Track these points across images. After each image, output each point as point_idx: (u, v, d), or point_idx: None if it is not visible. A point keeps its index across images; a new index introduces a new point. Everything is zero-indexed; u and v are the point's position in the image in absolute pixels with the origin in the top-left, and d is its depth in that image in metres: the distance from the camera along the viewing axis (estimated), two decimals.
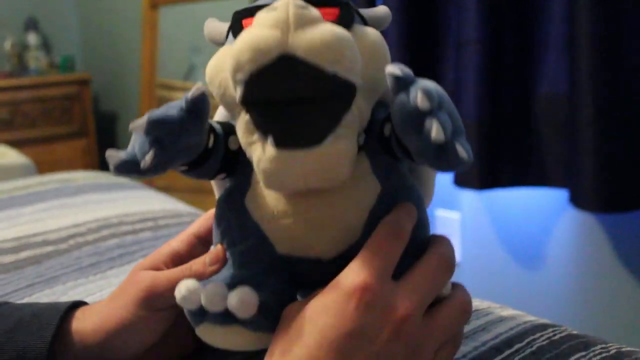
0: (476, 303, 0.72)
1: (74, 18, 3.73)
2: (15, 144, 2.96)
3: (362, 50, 0.43)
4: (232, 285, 0.46)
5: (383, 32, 0.48)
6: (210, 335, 0.48)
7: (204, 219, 0.58)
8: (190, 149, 0.45)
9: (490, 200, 1.59)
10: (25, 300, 0.78)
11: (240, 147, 0.47)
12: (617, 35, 1.16)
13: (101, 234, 1.01)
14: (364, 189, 0.47)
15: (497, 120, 1.37)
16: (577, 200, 1.26)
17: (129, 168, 0.43)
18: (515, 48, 1.37)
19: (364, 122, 0.45)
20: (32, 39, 3.42)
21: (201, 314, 0.47)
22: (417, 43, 1.46)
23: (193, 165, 0.47)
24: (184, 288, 0.46)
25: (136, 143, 0.43)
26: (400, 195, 0.48)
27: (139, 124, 0.42)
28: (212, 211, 0.58)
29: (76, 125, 3.35)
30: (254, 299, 0.45)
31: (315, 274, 0.48)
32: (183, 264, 0.56)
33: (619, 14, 1.16)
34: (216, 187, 0.58)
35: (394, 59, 0.46)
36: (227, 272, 0.49)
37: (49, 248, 0.95)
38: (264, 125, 0.43)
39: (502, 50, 1.36)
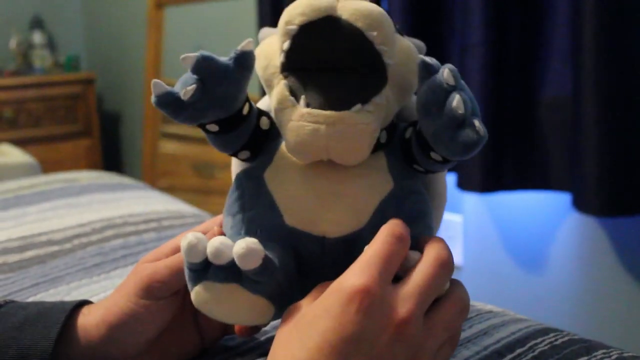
0: (478, 307, 0.72)
1: (80, 17, 3.74)
2: (19, 142, 2.96)
3: (397, 50, 0.47)
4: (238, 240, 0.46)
5: None
6: (208, 294, 0.47)
7: (211, 221, 0.59)
8: (228, 100, 0.46)
9: (493, 203, 1.59)
10: (30, 299, 0.78)
11: (269, 128, 0.50)
12: (620, 39, 1.17)
13: (105, 234, 1.01)
14: (377, 180, 0.49)
15: (500, 123, 1.37)
16: (580, 204, 1.26)
17: (170, 101, 0.44)
18: (519, 51, 1.37)
19: (389, 117, 0.48)
20: (37, 37, 3.43)
21: (203, 269, 0.47)
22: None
23: (224, 127, 0.48)
24: (191, 236, 0.46)
25: (180, 79, 0.45)
26: (410, 198, 0.49)
27: (190, 55, 0.44)
28: (218, 217, 0.59)
29: (80, 125, 3.36)
30: (260, 250, 0.45)
31: (316, 253, 0.49)
32: None
33: (623, 18, 1.16)
34: (235, 167, 0.58)
35: None
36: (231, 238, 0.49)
37: (54, 248, 0.96)
38: (299, 92, 0.46)
39: (505, 54, 1.36)
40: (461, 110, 0.42)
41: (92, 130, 3.38)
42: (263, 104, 0.55)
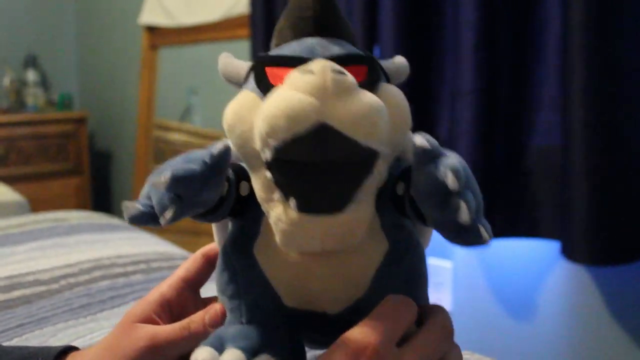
0: (466, 356, 0.72)
1: (74, 56, 3.76)
2: (9, 180, 2.96)
3: (386, 102, 0.43)
4: (251, 351, 0.46)
5: None
6: None
7: (192, 261, 0.58)
8: (208, 202, 0.44)
9: (482, 250, 1.59)
10: (15, 340, 0.78)
11: (250, 193, 0.47)
12: (611, 89, 1.18)
13: (93, 275, 1.00)
14: (373, 247, 0.47)
15: (490, 170, 1.38)
16: (569, 253, 1.26)
17: (146, 220, 0.43)
18: (510, 100, 1.38)
19: (382, 182, 0.45)
20: (31, 75, 3.44)
21: None
22: (412, 91, 1.47)
23: (203, 214, 0.46)
24: (201, 358, 0.45)
25: (153, 195, 0.43)
26: (406, 254, 0.48)
27: (160, 180, 0.41)
28: (198, 253, 0.58)
29: (71, 163, 3.35)
30: None
31: (320, 327, 0.48)
32: (172, 310, 0.56)
33: (614, 67, 1.18)
34: (216, 228, 0.57)
35: None
36: (234, 328, 0.48)
37: (41, 288, 0.95)
38: (287, 187, 0.43)
39: (496, 102, 1.38)
40: (466, 219, 0.39)
41: (82, 169, 3.38)
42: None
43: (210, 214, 0.47)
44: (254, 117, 0.44)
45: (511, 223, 1.40)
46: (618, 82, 1.18)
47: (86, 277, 1.00)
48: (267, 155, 0.41)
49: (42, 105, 3.43)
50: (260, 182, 0.44)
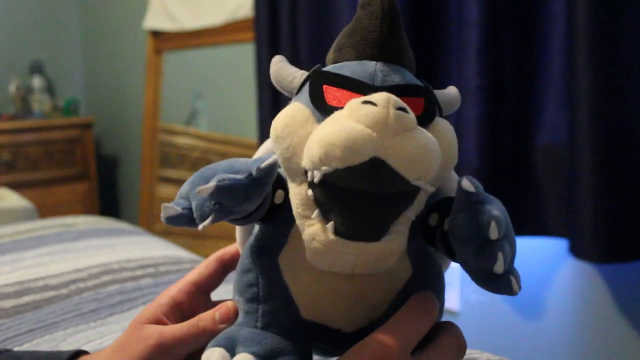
0: (475, 355, 0.72)
1: (79, 62, 3.77)
2: (16, 186, 2.97)
3: (436, 136, 0.43)
4: (263, 357, 0.46)
5: None
6: None
7: (204, 266, 0.58)
8: (246, 211, 0.44)
9: None
10: (26, 346, 0.78)
11: (284, 201, 0.47)
12: (616, 87, 1.18)
13: (102, 279, 1.01)
14: (397, 271, 0.47)
15: (496, 169, 1.38)
16: (577, 250, 1.26)
17: (184, 222, 0.43)
18: (515, 98, 1.38)
19: (419, 211, 0.45)
20: (36, 82, 3.45)
21: None
22: None
23: (238, 219, 0.46)
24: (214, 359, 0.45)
25: (194, 199, 0.43)
26: (427, 283, 0.48)
27: (206, 187, 0.41)
28: (212, 257, 0.58)
29: (78, 169, 3.36)
30: None
31: (332, 341, 0.48)
32: (183, 314, 0.56)
33: (619, 65, 1.18)
34: (240, 228, 0.56)
35: None
36: (247, 331, 0.48)
37: (50, 293, 0.95)
38: (328, 209, 0.42)
39: (502, 100, 1.38)
40: (501, 270, 0.40)
41: (89, 174, 3.39)
42: (266, 148, 0.52)
43: (243, 219, 0.46)
44: (304, 132, 0.43)
45: (518, 222, 1.40)
46: (624, 79, 1.18)
47: (95, 281, 1.00)
48: (315, 176, 0.41)
49: (48, 111, 3.44)
50: (299, 198, 0.44)
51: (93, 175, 3.40)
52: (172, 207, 0.43)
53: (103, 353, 0.54)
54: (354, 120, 0.39)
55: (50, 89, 3.58)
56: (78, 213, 2.95)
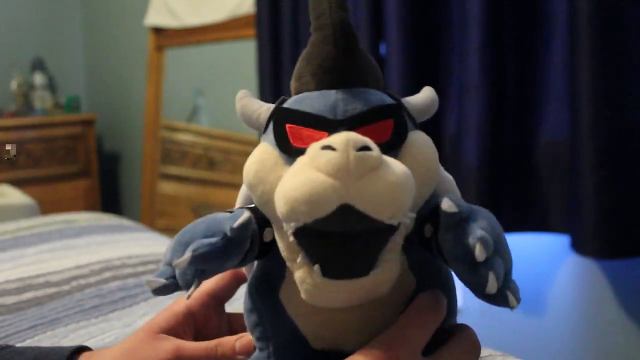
0: None
1: (81, 59, 3.77)
2: (18, 183, 2.97)
3: (414, 166, 0.42)
4: None
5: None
6: None
7: (220, 277, 0.58)
8: (230, 267, 0.44)
9: None
10: (28, 342, 0.78)
11: (274, 238, 0.46)
12: (618, 84, 1.18)
13: (103, 276, 1.01)
14: (400, 288, 0.46)
15: (499, 166, 1.38)
16: (579, 246, 1.26)
17: (170, 292, 0.44)
18: (517, 95, 1.38)
19: (408, 231, 0.44)
20: (38, 79, 3.45)
21: None
22: (420, 87, 1.46)
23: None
24: None
25: (176, 269, 0.43)
26: (434, 287, 0.47)
27: (183, 260, 0.41)
28: (228, 272, 0.58)
29: (80, 165, 3.36)
30: None
31: None
32: (197, 323, 0.56)
33: (621, 62, 1.17)
34: None
35: None
36: None
37: (52, 289, 0.95)
38: (310, 254, 0.41)
39: (504, 97, 1.38)
40: (494, 290, 0.39)
41: (91, 171, 3.39)
42: (245, 192, 0.50)
43: (234, 266, 0.47)
44: (274, 177, 0.43)
45: (520, 218, 1.40)
46: (625, 77, 1.18)
47: (97, 278, 1.00)
48: (289, 228, 0.40)
49: (50, 108, 3.44)
50: (284, 243, 0.44)
51: (95, 172, 3.40)
52: (157, 281, 0.43)
53: (111, 352, 0.54)
54: (316, 169, 0.38)
55: (51, 86, 3.58)
56: (79, 210, 2.96)
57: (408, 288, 0.46)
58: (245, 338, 0.52)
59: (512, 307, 0.40)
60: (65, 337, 0.79)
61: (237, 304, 0.58)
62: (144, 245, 1.19)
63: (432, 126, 0.45)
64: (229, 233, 0.42)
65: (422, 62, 1.50)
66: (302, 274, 0.42)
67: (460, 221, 0.40)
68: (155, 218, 2.95)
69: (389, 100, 0.46)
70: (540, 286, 1.51)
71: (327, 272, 0.41)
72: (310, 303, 0.44)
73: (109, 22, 3.48)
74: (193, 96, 2.89)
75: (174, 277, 0.43)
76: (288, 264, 0.44)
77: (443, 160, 0.50)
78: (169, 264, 0.44)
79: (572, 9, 1.20)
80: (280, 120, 0.45)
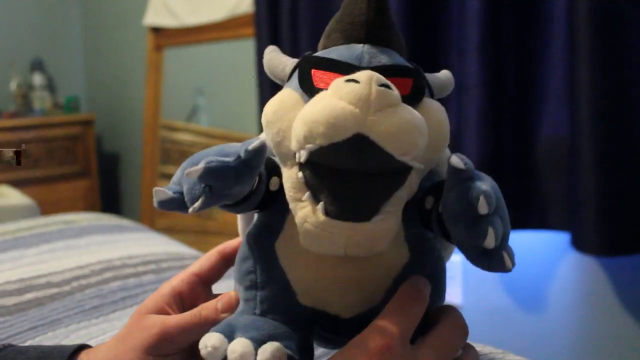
0: (478, 348, 0.71)
1: (80, 59, 3.77)
2: (18, 183, 2.97)
3: (427, 117, 0.43)
4: (260, 342, 0.46)
5: None
6: None
7: (205, 258, 0.58)
8: (238, 195, 0.44)
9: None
10: (28, 343, 0.78)
11: (280, 188, 0.47)
12: (617, 80, 1.18)
13: (104, 276, 1.01)
14: (393, 257, 0.47)
15: (498, 163, 1.38)
16: (579, 244, 1.26)
17: (175, 206, 0.44)
18: (517, 92, 1.38)
19: (411, 194, 0.45)
20: (37, 79, 3.45)
21: None
22: None
23: (232, 205, 0.47)
24: (210, 344, 0.45)
25: (185, 183, 0.43)
26: (425, 267, 0.48)
27: (195, 169, 0.41)
28: (214, 250, 0.59)
29: (79, 166, 3.36)
30: (284, 357, 0.45)
31: (332, 327, 0.49)
32: (184, 304, 0.56)
33: (620, 58, 1.18)
34: (241, 217, 0.57)
35: None
36: (246, 318, 0.49)
37: (53, 290, 0.95)
38: (317, 190, 0.42)
39: (503, 94, 1.38)
40: (492, 245, 0.40)
41: (90, 171, 3.39)
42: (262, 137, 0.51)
43: (237, 206, 0.47)
44: (293, 116, 0.43)
45: (520, 216, 1.40)
46: (625, 73, 1.18)
47: (97, 278, 1.00)
48: (301, 156, 0.41)
49: (49, 108, 3.43)
50: (291, 181, 0.44)
51: (94, 172, 3.40)
52: (163, 191, 0.43)
53: (105, 344, 0.55)
54: (337, 98, 0.40)
55: (51, 86, 3.57)
56: (79, 210, 2.95)
57: (400, 261, 0.47)
58: (227, 296, 0.52)
59: (507, 269, 0.41)
60: (66, 338, 0.79)
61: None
62: (144, 245, 1.19)
63: None
64: (242, 155, 0.42)
65: (421, 60, 1.49)
66: (304, 213, 0.43)
67: (466, 179, 0.40)
68: (155, 218, 2.95)
69: (410, 65, 0.47)
70: (540, 284, 1.51)
71: (330, 211, 0.42)
72: (307, 247, 0.44)
73: (108, 22, 3.48)
74: (192, 96, 2.89)
75: (181, 193, 0.43)
76: (291, 205, 0.45)
77: None
78: (178, 183, 0.44)
79: (572, 7, 1.20)
80: (306, 66, 0.46)
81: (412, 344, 0.45)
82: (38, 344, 0.61)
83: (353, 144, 0.39)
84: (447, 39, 1.49)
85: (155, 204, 0.44)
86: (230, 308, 0.51)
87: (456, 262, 1.67)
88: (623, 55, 1.18)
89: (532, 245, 1.50)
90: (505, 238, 0.41)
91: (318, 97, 0.41)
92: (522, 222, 1.41)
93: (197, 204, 0.42)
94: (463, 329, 0.47)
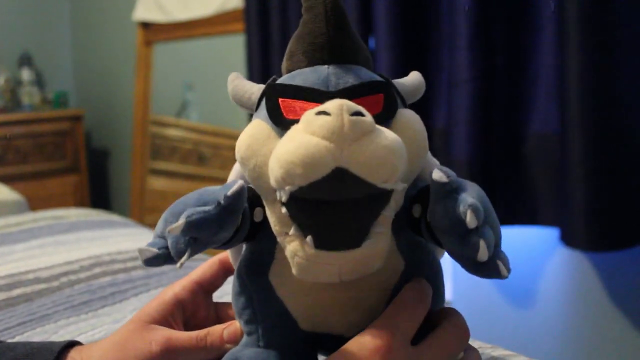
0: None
1: (68, 54, 3.75)
2: (6, 179, 2.95)
3: (404, 141, 0.42)
4: None
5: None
6: None
7: (207, 266, 0.58)
8: (223, 239, 0.44)
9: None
10: (17, 339, 0.78)
11: (264, 218, 0.46)
12: (606, 76, 1.18)
13: (93, 271, 1.00)
14: (390, 268, 0.46)
15: (488, 159, 1.38)
16: (568, 239, 1.26)
17: (162, 262, 0.43)
18: (507, 88, 1.38)
19: (398, 207, 0.45)
20: (26, 74, 3.43)
21: None
22: None
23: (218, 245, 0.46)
24: None
25: (168, 238, 0.42)
26: (421, 271, 0.48)
27: (176, 226, 0.41)
28: (215, 258, 0.58)
29: (68, 161, 3.35)
30: None
31: (336, 346, 0.48)
32: (185, 312, 0.56)
33: (609, 56, 1.18)
34: (231, 250, 0.56)
35: None
36: (250, 351, 0.49)
37: (41, 286, 0.95)
38: (303, 224, 0.42)
39: (493, 90, 1.38)
40: (485, 258, 0.39)
41: (79, 166, 3.38)
42: (237, 170, 0.50)
43: (225, 245, 0.46)
44: (267, 150, 0.43)
45: (510, 211, 1.41)
46: (614, 69, 1.18)
47: (87, 273, 1.00)
48: (282, 196, 0.40)
49: (38, 103, 3.42)
50: (275, 216, 0.44)
51: (83, 167, 3.39)
52: (148, 250, 0.43)
53: (102, 345, 0.54)
54: (310, 134, 0.39)
55: (39, 82, 3.56)
56: (69, 205, 2.94)
57: (397, 270, 0.47)
58: (233, 326, 0.52)
59: (503, 277, 0.41)
60: (55, 334, 0.79)
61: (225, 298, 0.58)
62: (133, 241, 1.19)
63: (422, 119, 0.45)
64: (222, 201, 0.42)
65: (411, 57, 1.50)
66: (294, 247, 0.42)
67: (451, 191, 0.40)
68: (145, 214, 2.95)
69: (378, 78, 0.47)
70: (530, 279, 1.51)
71: (319, 243, 0.41)
72: (302, 278, 0.44)
73: (97, 17, 3.46)
74: (182, 91, 2.88)
75: (165, 247, 0.43)
76: (279, 239, 0.44)
77: (433, 154, 0.50)
78: (161, 236, 0.44)
79: (561, 3, 1.21)
80: (273, 95, 0.45)
81: (413, 345, 0.45)
82: (27, 340, 0.60)
83: (333, 179, 0.38)
84: (437, 34, 1.49)
85: (141, 263, 0.44)
86: (235, 340, 0.51)
87: (446, 258, 1.67)
88: (612, 53, 1.18)
89: (521, 241, 1.50)
90: (497, 245, 0.41)
91: (290, 134, 0.40)
92: (512, 217, 1.41)
93: (184, 258, 0.41)
94: (464, 331, 0.47)
